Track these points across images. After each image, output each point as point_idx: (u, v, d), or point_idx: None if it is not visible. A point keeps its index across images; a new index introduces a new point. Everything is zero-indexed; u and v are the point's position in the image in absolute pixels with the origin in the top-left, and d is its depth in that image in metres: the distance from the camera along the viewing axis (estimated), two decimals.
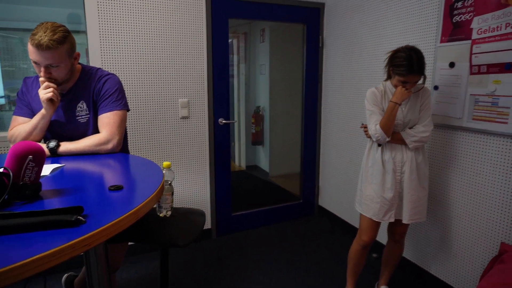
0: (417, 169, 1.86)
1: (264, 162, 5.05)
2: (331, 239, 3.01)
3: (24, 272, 0.62)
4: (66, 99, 1.57)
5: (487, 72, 1.83)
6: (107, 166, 1.40)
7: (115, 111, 1.57)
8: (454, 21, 1.98)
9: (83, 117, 1.59)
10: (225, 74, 2.85)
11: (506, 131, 1.77)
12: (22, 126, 1.53)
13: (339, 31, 3.03)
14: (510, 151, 1.78)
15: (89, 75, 1.60)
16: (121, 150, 1.60)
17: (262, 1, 2.88)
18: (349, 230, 3.04)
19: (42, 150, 0.96)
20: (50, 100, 1.45)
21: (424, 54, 1.72)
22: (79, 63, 1.61)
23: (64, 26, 1.43)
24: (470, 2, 1.89)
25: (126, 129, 1.73)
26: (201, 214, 1.66)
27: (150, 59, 2.52)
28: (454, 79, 2.01)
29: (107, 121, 1.55)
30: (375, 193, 1.89)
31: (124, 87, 1.73)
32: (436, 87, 2.12)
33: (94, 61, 2.35)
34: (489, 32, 1.81)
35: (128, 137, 2.46)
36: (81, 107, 1.58)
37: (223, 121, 2.88)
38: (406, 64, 1.68)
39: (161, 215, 1.46)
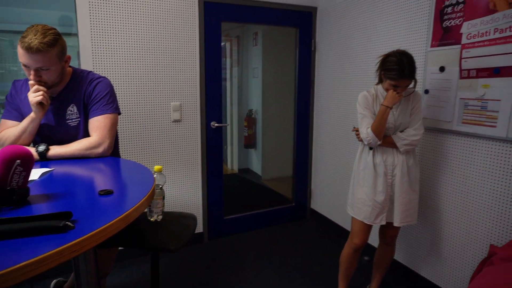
0: (408, 172, 1.87)
1: (256, 165, 5.05)
2: (323, 242, 3.02)
3: (10, 279, 0.61)
4: (56, 103, 1.55)
5: (477, 77, 1.86)
6: (97, 170, 1.39)
7: (106, 115, 1.56)
8: (444, 26, 2.01)
9: (73, 120, 1.57)
10: (218, 77, 2.85)
11: (494, 134, 1.79)
12: (10, 130, 1.51)
13: (331, 35, 3.05)
14: (498, 154, 1.80)
15: (80, 78, 1.59)
16: (112, 154, 1.59)
17: (255, 5, 2.89)
18: (341, 233, 3.05)
19: (30, 155, 0.95)
20: (39, 103, 1.43)
21: (415, 58, 1.74)
22: (70, 66, 1.59)
23: (54, 29, 1.42)
24: (459, 7, 1.92)
25: (117, 132, 1.72)
26: (193, 218, 1.66)
27: (142, 62, 2.51)
28: (444, 83, 2.03)
29: (97, 124, 1.54)
30: (366, 196, 1.90)
31: (115, 90, 1.72)
32: (426, 91, 2.14)
33: (86, 64, 2.33)
34: (478, 37, 1.83)
35: (119, 140, 2.44)
36: (71, 111, 1.57)
37: (216, 125, 2.88)
38: (397, 68, 1.69)
39: (152, 219, 1.45)
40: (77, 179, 1.25)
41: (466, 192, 1.99)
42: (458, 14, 1.93)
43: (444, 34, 2.01)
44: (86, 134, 1.57)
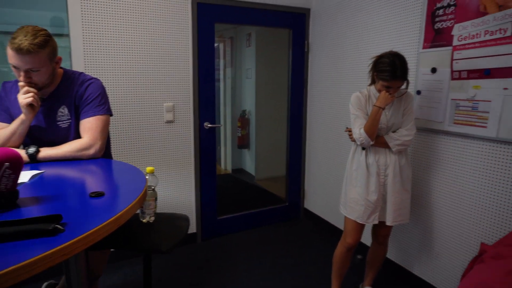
0: (400, 172, 1.89)
1: (250, 166, 5.05)
2: (316, 242, 3.03)
3: None
4: (46, 104, 1.54)
5: (467, 78, 1.88)
6: (89, 172, 1.38)
7: (97, 116, 1.55)
8: (436, 28, 2.03)
9: (64, 122, 1.56)
10: (211, 78, 2.84)
11: (485, 135, 1.81)
12: (0, 132, 1.49)
13: (324, 36, 3.06)
14: (489, 154, 1.83)
15: (71, 79, 1.58)
16: (103, 155, 1.58)
17: (248, 6, 2.89)
18: (334, 232, 3.06)
19: (19, 157, 0.94)
20: (30, 105, 1.41)
21: (407, 59, 1.75)
22: (61, 67, 1.58)
23: (45, 30, 1.40)
24: (451, 9, 1.94)
25: (109, 134, 1.70)
26: (185, 219, 1.65)
27: (134, 62, 2.50)
28: (436, 84, 2.05)
29: (89, 126, 1.53)
30: (359, 196, 1.91)
31: (108, 91, 1.70)
32: (418, 92, 2.16)
33: (77, 65, 2.31)
34: (469, 39, 1.85)
35: (112, 142, 2.42)
36: (62, 112, 1.55)
37: (209, 125, 2.87)
38: (390, 70, 1.71)
39: (144, 220, 1.45)
40: (68, 181, 1.24)
41: (457, 191, 2.01)
42: (450, 16, 1.95)
43: (436, 36, 2.03)
44: (77, 136, 1.56)
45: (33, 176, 1.21)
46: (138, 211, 1.47)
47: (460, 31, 1.89)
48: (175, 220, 1.61)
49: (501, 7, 1.70)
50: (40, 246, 0.70)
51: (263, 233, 3.22)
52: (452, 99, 1.97)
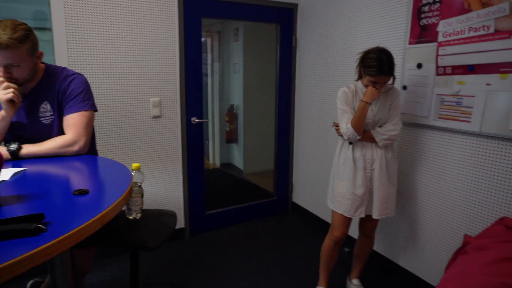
0: (387, 166, 1.91)
1: (238, 160, 5.04)
2: (304, 235, 3.05)
3: None
4: (28, 100, 1.50)
5: (452, 73, 1.90)
6: (73, 169, 1.36)
7: (81, 112, 1.52)
8: (422, 24, 2.04)
9: (47, 118, 1.52)
10: (198, 73, 2.82)
11: (469, 129, 1.84)
12: None
13: (312, 31, 3.05)
14: (472, 148, 1.86)
15: (54, 74, 1.54)
16: (88, 151, 1.55)
17: (235, 1, 2.86)
18: (322, 226, 3.09)
19: (0, 155, 0.91)
20: (10, 101, 1.38)
21: (393, 55, 1.76)
22: (42, 62, 1.54)
23: (25, 24, 1.37)
24: (436, 6, 1.96)
25: (93, 130, 1.68)
26: (172, 215, 1.64)
27: (119, 57, 2.45)
28: (422, 80, 2.07)
29: (73, 122, 1.50)
30: (346, 190, 1.93)
31: (92, 86, 1.67)
32: (404, 87, 2.18)
33: (60, 60, 2.25)
34: (453, 35, 1.87)
35: (97, 137, 2.39)
36: (44, 108, 1.52)
37: (196, 120, 2.85)
38: (377, 65, 1.72)
39: (130, 217, 1.43)
40: (51, 178, 1.22)
41: (441, 184, 2.05)
42: (435, 13, 1.96)
43: (422, 32, 2.05)
44: (61, 132, 1.53)
45: (15, 174, 1.18)
46: (124, 208, 1.45)
47: (445, 27, 1.91)
48: (162, 217, 1.60)
49: (484, 5, 1.72)
50: (21, 246, 0.69)
51: (252, 227, 3.23)
52: (437, 94, 1.99)
